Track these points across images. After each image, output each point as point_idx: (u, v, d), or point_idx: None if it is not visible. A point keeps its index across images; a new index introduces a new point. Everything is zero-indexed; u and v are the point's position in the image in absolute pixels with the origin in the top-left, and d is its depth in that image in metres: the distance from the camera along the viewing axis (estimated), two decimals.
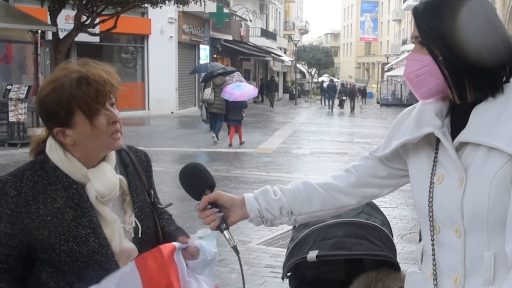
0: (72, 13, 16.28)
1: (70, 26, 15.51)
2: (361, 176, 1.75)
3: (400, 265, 2.41)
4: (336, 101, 35.95)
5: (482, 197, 1.42)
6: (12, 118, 13.08)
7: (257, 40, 38.40)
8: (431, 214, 1.53)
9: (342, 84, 42.02)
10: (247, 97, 14.78)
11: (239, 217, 1.75)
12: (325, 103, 39.51)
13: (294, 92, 44.12)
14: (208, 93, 15.31)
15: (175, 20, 25.23)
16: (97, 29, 16.36)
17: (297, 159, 13.32)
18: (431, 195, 1.53)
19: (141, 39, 24.46)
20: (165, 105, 24.67)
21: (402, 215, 7.54)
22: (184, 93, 26.96)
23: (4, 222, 1.62)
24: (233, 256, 1.71)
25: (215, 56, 30.39)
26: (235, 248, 1.68)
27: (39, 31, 15.02)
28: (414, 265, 2.32)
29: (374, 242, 2.35)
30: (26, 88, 13.21)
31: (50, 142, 1.71)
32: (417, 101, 1.63)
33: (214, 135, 15.10)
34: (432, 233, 1.54)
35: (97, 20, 15.09)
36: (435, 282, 1.55)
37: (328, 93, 36.40)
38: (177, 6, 17.99)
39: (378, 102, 41.91)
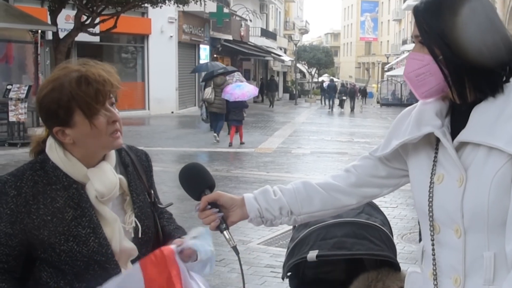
0: (72, 13, 16.28)
1: (70, 26, 15.51)
2: (361, 176, 1.75)
3: (400, 265, 2.41)
4: (336, 101, 35.97)
5: (482, 197, 1.42)
6: (12, 118, 13.09)
7: (257, 40, 38.40)
8: (431, 214, 1.53)
9: (342, 84, 42.03)
10: (247, 97, 14.79)
11: (239, 217, 1.75)
12: (325, 103, 39.53)
13: (294, 92, 44.13)
14: (208, 92, 15.32)
15: (175, 20, 25.23)
16: (97, 29, 16.37)
17: (297, 159, 13.33)
18: (431, 195, 1.52)
19: (141, 39, 24.46)
20: (165, 105, 24.67)
21: (402, 215, 7.54)
22: (184, 93, 26.97)
23: (4, 222, 1.62)
24: (233, 256, 1.71)
25: (215, 56, 30.38)
26: (235, 248, 1.68)
27: (39, 31, 15.03)
28: (414, 265, 2.32)
29: (374, 242, 2.35)
30: (26, 88, 13.21)
31: (50, 142, 1.71)
32: (417, 101, 1.63)
33: (215, 135, 15.11)
34: (432, 233, 1.54)
35: (97, 20, 15.09)
36: (435, 282, 1.55)
37: (329, 93, 36.43)
38: (177, 6, 17.99)
39: (378, 102, 41.92)
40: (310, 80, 60.74)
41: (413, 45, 1.56)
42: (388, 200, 8.04)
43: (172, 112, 25.08)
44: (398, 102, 37.21)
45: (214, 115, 15.49)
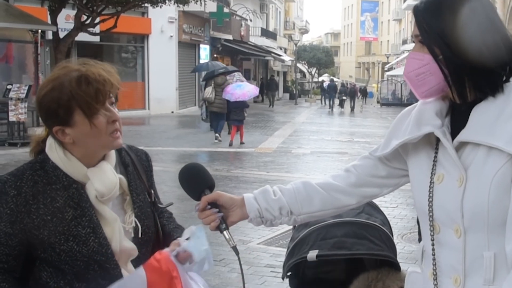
0: (72, 12, 16.28)
1: (70, 25, 15.51)
2: (361, 175, 1.75)
3: (401, 264, 2.41)
4: (336, 101, 36.00)
5: (482, 197, 1.41)
6: (12, 117, 13.09)
7: (257, 39, 38.41)
8: (431, 214, 1.53)
9: (342, 84, 42.05)
10: (248, 96, 14.80)
11: (239, 217, 1.75)
12: (325, 103, 39.55)
13: (294, 92, 44.14)
14: (209, 91, 15.33)
15: (175, 19, 25.23)
16: (97, 29, 16.36)
17: (297, 158, 13.33)
18: (431, 194, 1.52)
19: (141, 38, 24.46)
20: (165, 105, 24.67)
21: (402, 214, 7.54)
22: (184, 93, 26.97)
23: (4, 222, 1.62)
24: (233, 256, 1.70)
25: (215, 55, 30.39)
26: (235, 249, 1.68)
27: (39, 31, 15.03)
28: (414, 264, 2.32)
29: (374, 241, 2.35)
30: (26, 87, 13.21)
31: (50, 141, 1.71)
32: (417, 101, 1.63)
33: (217, 135, 15.12)
34: (432, 233, 1.54)
35: (97, 20, 15.09)
36: (435, 282, 1.55)
37: (329, 93, 36.46)
38: (177, 6, 17.99)
39: (378, 102, 41.92)
40: (310, 80, 60.75)
41: (413, 45, 1.56)
42: (388, 200, 8.04)
43: (172, 112, 25.08)
44: (398, 102, 37.20)
45: (214, 114, 15.49)
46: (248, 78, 30.54)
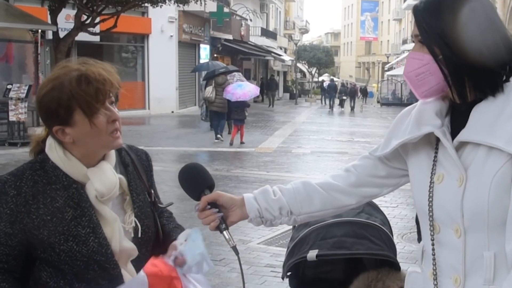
0: (73, 12, 16.28)
1: (71, 25, 15.51)
2: (361, 175, 1.75)
3: (401, 264, 2.41)
4: (337, 101, 36.02)
5: (482, 197, 1.41)
6: (12, 117, 13.09)
7: (257, 39, 38.41)
8: (431, 213, 1.53)
9: (343, 84, 42.07)
10: (249, 96, 14.81)
11: (239, 217, 1.75)
12: (325, 103, 39.57)
13: (294, 92, 44.15)
14: (209, 91, 15.34)
15: (175, 19, 25.23)
16: (97, 29, 16.36)
17: (298, 158, 13.33)
18: (431, 194, 1.52)
19: (141, 38, 24.46)
20: (165, 105, 24.67)
21: (403, 214, 7.54)
22: (184, 93, 26.97)
23: (4, 222, 1.61)
24: (233, 256, 1.70)
25: (215, 55, 30.39)
26: (234, 249, 1.68)
27: (39, 31, 15.03)
28: (414, 264, 2.32)
29: (374, 241, 2.35)
30: (27, 87, 13.21)
31: (50, 141, 1.70)
32: (417, 101, 1.62)
33: (219, 136, 15.13)
34: (432, 233, 1.54)
35: (97, 20, 15.09)
36: (435, 282, 1.55)
37: (329, 92, 36.48)
38: (178, 6, 17.98)
39: (378, 102, 41.93)
40: (310, 80, 60.76)
41: (413, 44, 1.56)
42: (388, 200, 8.03)
43: (172, 112, 25.08)
44: (398, 102, 37.20)
45: (215, 114, 15.50)
46: (248, 78, 30.53)
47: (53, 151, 1.68)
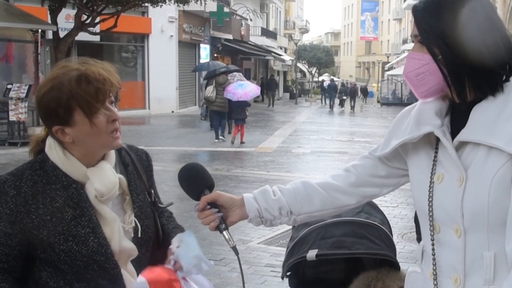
0: (73, 12, 16.27)
1: (71, 25, 15.51)
2: (361, 175, 1.74)
3: (401, 264, 2.41)
4: (337, 101, 36.04)
5: (482, 197, 1.41)
6: (12, 117, 13.09)
7: (257, 39, 38.41)
8: (431, 213, 1.52)
9: (343, 84, 42.10)
10: (250, 96, 14.83)
11: (239, 217, 1.74)
12: (325, 102, 39.59)
13: (294, 91, 44.15)
14: (210, 90, 15.34)
15: (176, 19, 25.23)
16: (97, 28, 16.36)
17: (298, 158, 13.33)
18: (431, 194, 1.52)
19: (142, 38, 24.46)
20: (165, 104, 24.67)
21: (403, 214, 7.54)
22: (184, 92, 26.97)
23: (4, 222, 1.61)
24: (233, 255, 1.70)
25: (215, 55, 30.39)
26: (234, 249, 1.68)
27: (40, 30, 15.04)
28: (414, 264, 2.32)
29: (373, 241, 2.35)
30: (27, 87, 13.21)
31: (50, 141, 1.70)
32: (417, 100, 1.62)
33: (221, 137, 15.16)
34: (432, 233, 1.53)
35: (98, 19, 15.08)
36: (435, 282, 1.54)
37: (329, 92, 36.51)
38: (178, 5, 17.97)
39: (378, 101, 41.93)
40: (311, 80, 60.76)
41: (413, 44, 1.55)
42: (388, 200, 8.03)
43: (173, 112, 25.08)
44: (399, 102, 37.20)
45: (215, 113, 15.50)
46: (248, 77, 30.53)
47: (53, 151, 1.68)
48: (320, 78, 62.16)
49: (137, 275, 1.72)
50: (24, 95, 13.02)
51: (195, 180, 1.73)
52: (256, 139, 16.02)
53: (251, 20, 38.05)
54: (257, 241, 6.32)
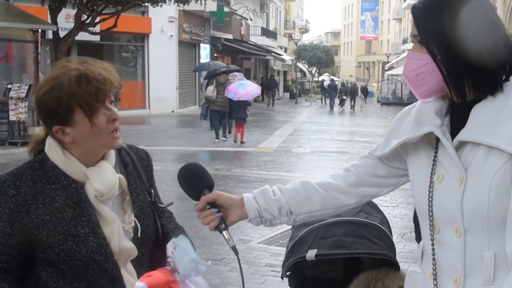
0: (73, 12, 16.27)
1: (71, 25, 15.51)
2: (361, 175, 1.74)
3: (401, 264, 2.41)
4: (337, 100, 36.06)
5: (482, 197, 1.41)
6: (12, 117, 13.09)
7: (257, 39, 38.42)
8: (430, 213, 1.52)
9: (343, 84, 42.12)
10: (251, 96, 14.85)
11: (238, 217, 1.74)
12: (325, 102, 39.60)
13: (294, 91, 44.16)
14: (210, 90, 15.35)
15: (176, 19, 25.23)
16: (97, 28, 16.36)
17: (298, 158, 13.33)
18: (430, 194, 1.52)
19: (142, 38, 24.46)
20: (165, 104, 24.67)
21: (403, 214, 7.54)
22: (184, 92, 26.97)
23: (3, 222, 1.61)
24: (233, 255, 1.70)
25: (215, 55, 30.39)
26: (234, 249, 1.68)
27: (40, 30, 15.02)
28: (414, 264, 2.32)
29: (373, 241, 2.35)
30: (27, 87, 13.22)
31: (49, 141, 1.70)
32: (417, 100, 1.62)
33: (224, 138, 15.18)
34: (432, 233, 1.53)
35: (98, 19, 15.09)
36: (435, 282, 1.54)
37: (329, 92, 36.54)
38: (178, 5, 17.97)
39: (378, 101, 41.93)
40: (311, 79, 60.77)
41: (413, 44, 1.55)
42: (388, 199, 8.03)
43: (173, 111, 25.08)
44: (399, 101, 37.19)
45: (216, 113, 15.51)
46: (248, 77, 30.53)
47: (53, 151, 1.68)
48: (320, 78, 62.17)
49: (137, 275, 1.72)
50: (24, 95, 13.02)
51: (194, 180, 1.73)
52: (256, 139, 16.02)
53: (251, 20, 38.04)
54: (257, 240, 6.32)
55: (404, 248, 6.03)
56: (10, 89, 13.12)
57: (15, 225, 1.62)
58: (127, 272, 1.72)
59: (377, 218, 2.49)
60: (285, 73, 53.67)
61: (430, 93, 1.52)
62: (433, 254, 1.54)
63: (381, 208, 2.65)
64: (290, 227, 2.51)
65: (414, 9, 1.50)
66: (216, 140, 15.05)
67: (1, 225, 1.61)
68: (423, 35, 1.48)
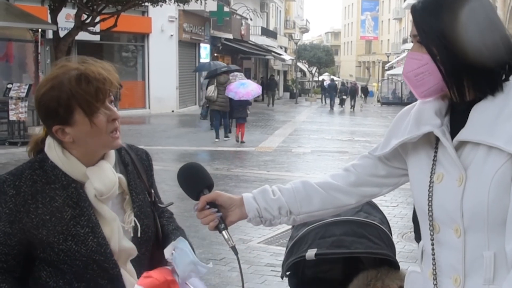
0: (73, 11, 16.27)
1: (71, 24, 15.52)
2: (361, 175, 1.74)
3: (401, 264, 2.41)
4: (337, 100, 36.07)
5: (482, 196, 1.41)
6: (12, 117, 13.09)
7: (257, 38, 38.42)
8: (430, 213, 1.52)
9: (343, 83, 42.12)
10: (252, 95, 14.87)
11: (238, 217, 1.74)
12: (325, 102, 39.61)
13: (294, 91, 44.17)
14: (211, 90, 15.36)
15: (176, 18, 25.23)
16: (97, 28, 16.37)
17: (298, 157, 13.33)
18: (430, 194, 1.52)
19: (142, 37, 24.46)
20: (165, 104, 24.67)
21: (403, 213, 7.54)
22: (184, 92, 26.98)
23: (3, 221, 1.61)
24: (233, 255, 1.70)
25: (215, 54, 30.39)
26: (233, 248, 1.68)
27: (40, 30, 15.02)
28: (414, 264, 2.31)
29: (373, 240, 2.35)
30: (27, 86, 13.22)
31: (49, 141, 1.70)
32: (417, 100, 1.62)
33: (226, 138, 15.19)
34: (431, 233, 1.53)
35: (98, 19, 15.09)
36: (435, 282, 1.54)
37: (329, 92, 36.56)
38: (178, 5, 17.98)
39: (378, 101, 41.94)
40: (311, 79, 60.78)
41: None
42: (388, 199, 8.03)
43: (173, 111, 25.08)
44: (399, 101, 37.20)
45: (217, 113, 15.52)
46: (248, 77, 30.52)
47: (52, 151, 1.68)
48: (320, 78, 62.19)
49: (137, 275, 1.72)
50: (24, 94, 13.02)
51: (194, 180, 1.72)
52: (256, 139, 16.02)
53: (251, 19, 38.03)
54: (257, 240, 6.32)
55: (404, 248, 6.03)
56: (10, 88, 13.12)
57: (14, 225, 1.62)
58: (127, 272, 1.72)
59: (377, 218, 2.49)
60: (285, 72, 53.67)
61: (430, 93, 1.52)
62: (433, 254, 1.54)
63: (381, 207, 2.65)
64: (290, 226, 2.51)
65: (414, 9, 1.50)
66: (216, 140, 15.06)
67: (1, 224, 1.61)
68: (422, 35, 1.48)
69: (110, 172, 1.71)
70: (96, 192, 1.66)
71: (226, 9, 29.24)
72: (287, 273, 2.49)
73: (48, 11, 15.55)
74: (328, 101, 36.97)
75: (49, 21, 15.41)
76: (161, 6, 16.92)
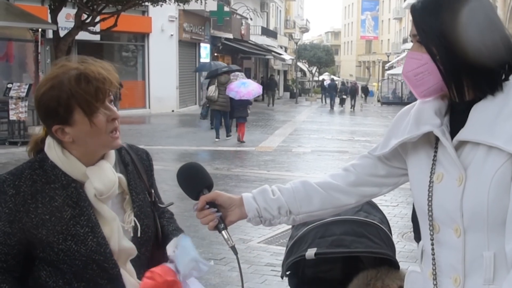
0: (73, 11, 16.27)
1: (71, 24, 15.52)
2: (360, 175, 1.74)
3: (401, 263, 2.41)
4: (337, 100, 36.08)
5: (481, 196, 1.41)
6: (12, 116, 13.09)
7: (257, 38, 38.43)
8: (430, 213, 1.52)
9: (343, 83, 42.12)
10: (253, 95, 14.89)
11: (238, 217, 1.74)
12: (325, 102, 39.62)
13: (294, 91, 44.17)
14: (212, 90, 15.37)
15: (176, 18, 25.23)
16: (97, 28, 16.37)
17: (298, 157, 13.33)
18: (430, 194, 1.52)
19: (142, 37, 24.46)
20: (165, 104, 24.68)
21: (403, 213, 7.53)
22: (184, 92, 26.98)
23: (3, 221, 1.61)
24: (233, 255, 1.70)
25: (215, 54, 30.39)
26: (233, 248, 1.68)
27: (40, 30, 15.02)
28: (414, 263, 2.31)
29: (373, 240, 2.35)
30: (27, 86, 13.22)
31: (49, 140, 1.70)
32: (417, 100, 1.62)
33: (228, 135, 15.22)
34: (431, 233, 1.53)
35: (98, 19, 15.09)
36: (434, 282, 1.54)
37: (329, 91, 36.57)
38: (178, 5, 17.98)
39: (378, 101, 41.94)
40: (311, 79, 60.79)
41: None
42: (388, 199, 8.03)
43: (173, 111, 25.08)
44: (399, 101, 37.21)
45: (217, 113, 15.52)
46: (248, 77, 30.51)
47: (52, 150, 1.68)
48: (321, 77, 62.19)
49: (137, 274, 1.72)
50: (24, 94, 13.03)
51: (194, 180, 1.72)
52: (256, 138, 16.02)
53: (251, 19, 38.04)
54: (257, 240, 6.32)
55: (404, 247, 6.03)
56: (10, 88, 13.12)
57: (14, 225, 1.62)
58: (127, 272, 1.72)
59: (377, 217, 2.49)
60: (285, 72, 53.67)
61: (430, 92, 1.52)
62: (433, 254, 1.54)
63: (381, 207, 2.65)
64: (290, 226, 2.51)
65: (413, 9, 1.50)
66: (217, 140, 15.06)
67: (1, 224, 1.61)
68: (422, 35, 1.48)
69: (110, 171, 1.71)
70: (96, 192, 1.66)
71: (226, 8, 29.24)
72: (287, 273, 2.49)
73: (48, 11, 15.55)
74: (328, 100, 36.97)
75: (49, 20, 15.41)
76: (161, 6, 16.92)
